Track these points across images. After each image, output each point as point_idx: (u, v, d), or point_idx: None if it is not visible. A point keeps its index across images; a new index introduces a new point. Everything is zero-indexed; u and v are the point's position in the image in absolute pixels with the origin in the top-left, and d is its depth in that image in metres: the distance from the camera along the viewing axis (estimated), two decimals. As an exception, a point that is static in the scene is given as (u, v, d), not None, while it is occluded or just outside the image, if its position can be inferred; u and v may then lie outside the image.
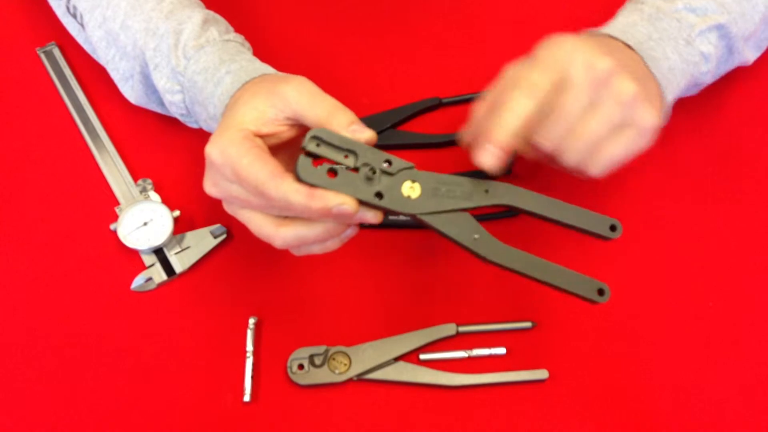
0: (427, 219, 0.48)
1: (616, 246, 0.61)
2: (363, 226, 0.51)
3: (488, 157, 0.47)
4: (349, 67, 0.70)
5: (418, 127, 0.68)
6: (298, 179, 0.46)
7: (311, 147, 0.46)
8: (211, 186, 0.51)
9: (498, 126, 0.47)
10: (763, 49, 0.64)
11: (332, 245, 0.51)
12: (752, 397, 0.58)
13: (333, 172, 0.46)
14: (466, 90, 0.70)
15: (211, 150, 0.48)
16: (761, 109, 0.69)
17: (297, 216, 0.48)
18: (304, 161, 0.46)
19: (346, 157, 0.47)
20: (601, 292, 0.48)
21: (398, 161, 0.47)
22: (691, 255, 0.63)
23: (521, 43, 0.72)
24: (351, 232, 0.50)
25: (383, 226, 0.63)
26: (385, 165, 0.47)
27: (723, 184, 0.66)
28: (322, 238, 0.49)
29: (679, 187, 0.66)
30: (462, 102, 0.69)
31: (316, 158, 0.46)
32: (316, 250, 0.51)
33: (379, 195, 0.47)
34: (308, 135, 0.46)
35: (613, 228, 0.49)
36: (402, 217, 0.62)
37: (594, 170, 0.49)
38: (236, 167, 0.47)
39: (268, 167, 0.46)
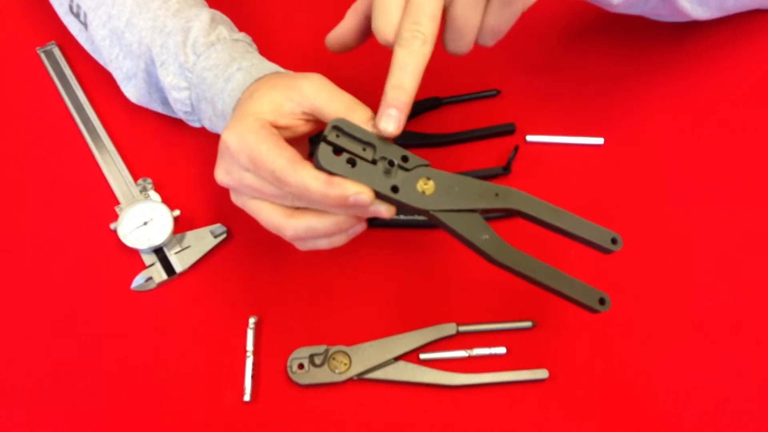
0: (440, 216, 0.48)
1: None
2: (370, 224, 0.51)
3: (392, 123, 0.46)
4: (349, 67, 0.70)
5: (418, 126, 0.68)
6: (317, 167, 0.46)
7: (331, 137, 0.46)
8: (223, 174, 0.51)
9: (393, 88, 0.46)
10: (717, 11, 0.65)
11: (339, 240, 0.51)
12: (753, 398, 0.58)
13: (352, 163, 0.46)
14: (465, 89, 0.70)
15: (228, 136, 0.48)
16: (761, 108, 0.69)
17: (310, 205, 0.48)
18: (324, 149, 0.46)
19: (364, 149, 0.47)
20: (602, 301, 0.49)
21: (414, 158, 0.48)
22: (691, 255, 0.63)
23: (519, 44, 0.72)
24: (359, 227, 0.50)
25: (385, 225, 0.63)
26: (402, 160, 0.47)
27: (723, 185, 0.66)
28: (332, 231, 0.49)
29: (679, 188, 0.66)
30: (461, 101, 0.69)
31: (335, 148, 0.47)
32: (323, 244, 0.51)
33: (394, 188, 0.47)
34: (330, 124, 0.46)
35: (614, 241, 0.49)
36: (403, 216, 0.63)
37: (486, 45, 0.50)
38: (253, 154, 0.47)
39: (286, 154, 0.46)
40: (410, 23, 0.45)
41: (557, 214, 0.49)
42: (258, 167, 0.47)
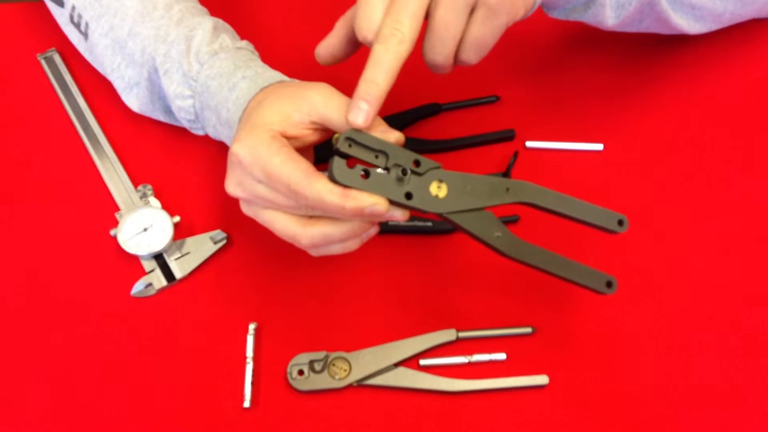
0: (453, 218, 0.49)
1: (615, 251, 0.62)
2: (382, 228, 0.52)
3: (361, 116, 0.46)
4: (350, 74, 0.70)
5: (418, 132, 0.68)
6: (333, 180, 0.47)
7: (344, 148, 0.47)
8: (234, 186, 0.51)
9: (366, 82, 0.46)
10: (714, 24, 0.66)
11: (353, 245, 0.51)
12: (756, 403, 0.58)
13: (365, 174, 0.47)
14: (464, 95, 0.70)
15: (239, 149, 0.48)
16: (758, 113, 0.69)
17: (325, 215, 0.49)
18: (339, 163, 0.46)
19: (377, 157, 0.47)
20: (609, 284, 0.53)
21: (426, 161, 0.48)
22: (691, 260, 0.63)
23: (519, 50, 0.72)
24: (373, 231, 0.51)
25: (386, 231, 0.63)
26: (414, 165, 0.48)
27: (723, 190, 0.66)
28: (346, 237, 0.50)
29: (678, 193, 0.66)
30: (461, 107, 0.70)
31: (348, 158, 0.47)
32: (337, 249, 0.51)
33: (408, 195, 0.48)
34: (342, 136, 0.47)
35: (620, 223, 0.52)
36: (403, 222, 0.63)
37: (469, 61, 0.50)
38: (267, 166, 0.47)
39: (301, 167, 0.47)
40: (390, 21, 0.46)
41: (567, 202, 0.52)
42: (272, 180, 0.47)
